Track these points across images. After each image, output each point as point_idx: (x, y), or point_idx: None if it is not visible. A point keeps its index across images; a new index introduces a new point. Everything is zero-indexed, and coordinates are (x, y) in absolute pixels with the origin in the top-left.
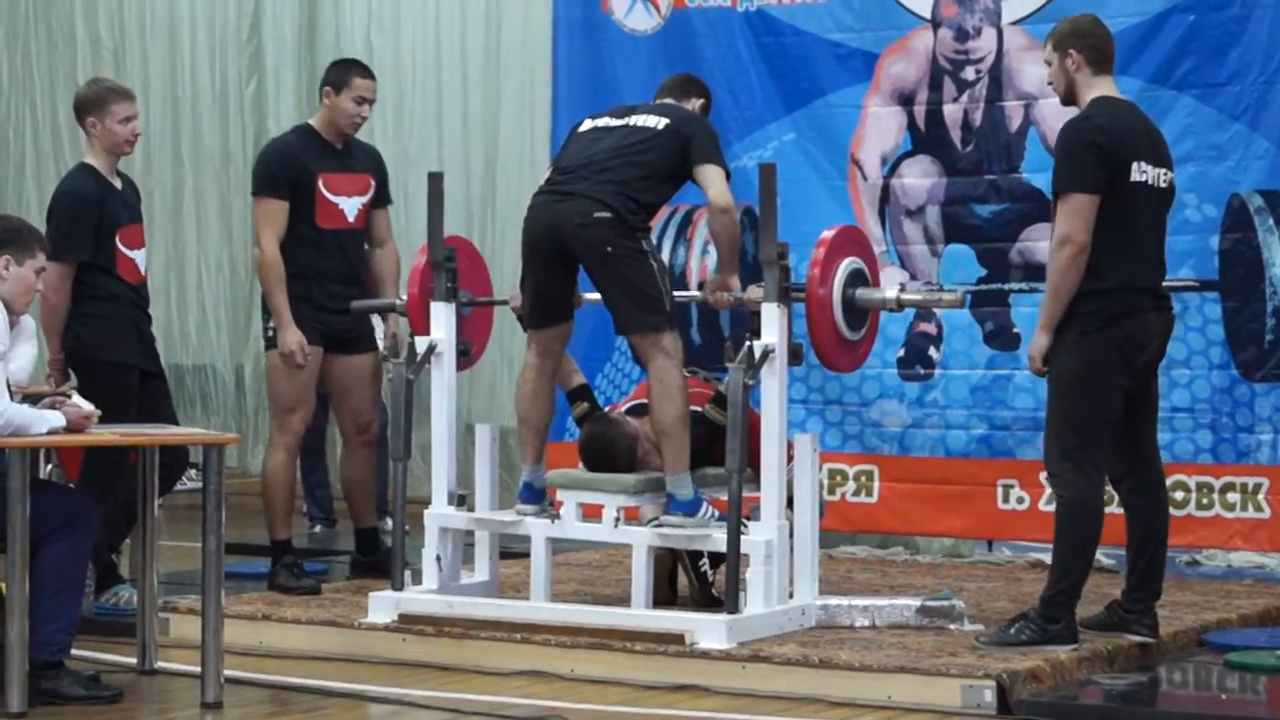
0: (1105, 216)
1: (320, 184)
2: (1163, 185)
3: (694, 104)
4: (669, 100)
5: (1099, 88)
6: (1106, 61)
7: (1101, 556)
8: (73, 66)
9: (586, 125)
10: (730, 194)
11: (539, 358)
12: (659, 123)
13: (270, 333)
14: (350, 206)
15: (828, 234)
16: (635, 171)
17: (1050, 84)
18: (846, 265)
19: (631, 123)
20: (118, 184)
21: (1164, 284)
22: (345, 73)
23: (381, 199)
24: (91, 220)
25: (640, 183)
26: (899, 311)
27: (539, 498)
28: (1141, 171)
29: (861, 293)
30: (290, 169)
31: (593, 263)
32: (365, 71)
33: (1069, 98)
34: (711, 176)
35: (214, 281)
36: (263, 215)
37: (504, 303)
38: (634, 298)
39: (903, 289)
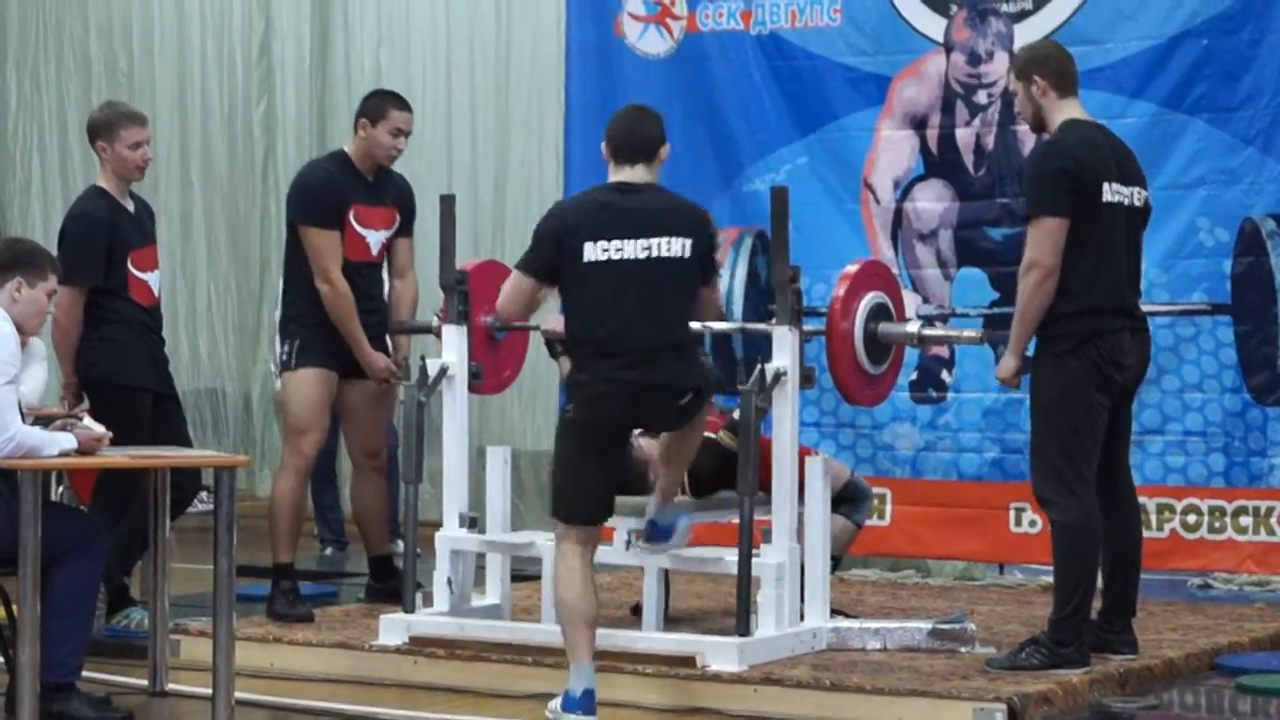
0: (1076, 239)
1: (351, 216)
2: (1137, 204)
3: (664, 152)
4: (651, 177)
5: (1066, 111)
6: (1071, 84)
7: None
8: (83, 88)
9: (597, 255)
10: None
11: (584, 544)
12: (683, 248)
13: (285, 356)
14: (375, 240)
15: (851, 268)
16: (683, 316)
17: (1019, 113)
18: (869, 300)
19: (655, 254)
20: (130, 206)
21: (1173, 308)
22: (382, 104)
23: (406, 229)
24: (103, 244)
25: (688, 324)
26: (920, 347)
27: (593, 706)
28: (1114, 192)
29: (884, 327)
30: (336, 200)
31: (673, 425)
32: (402, 104)
33: (1038, 124)
34: (716, 297)
35: (222, 304)
36: (321, 248)
37: (535, 328)
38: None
39: (925, 324)
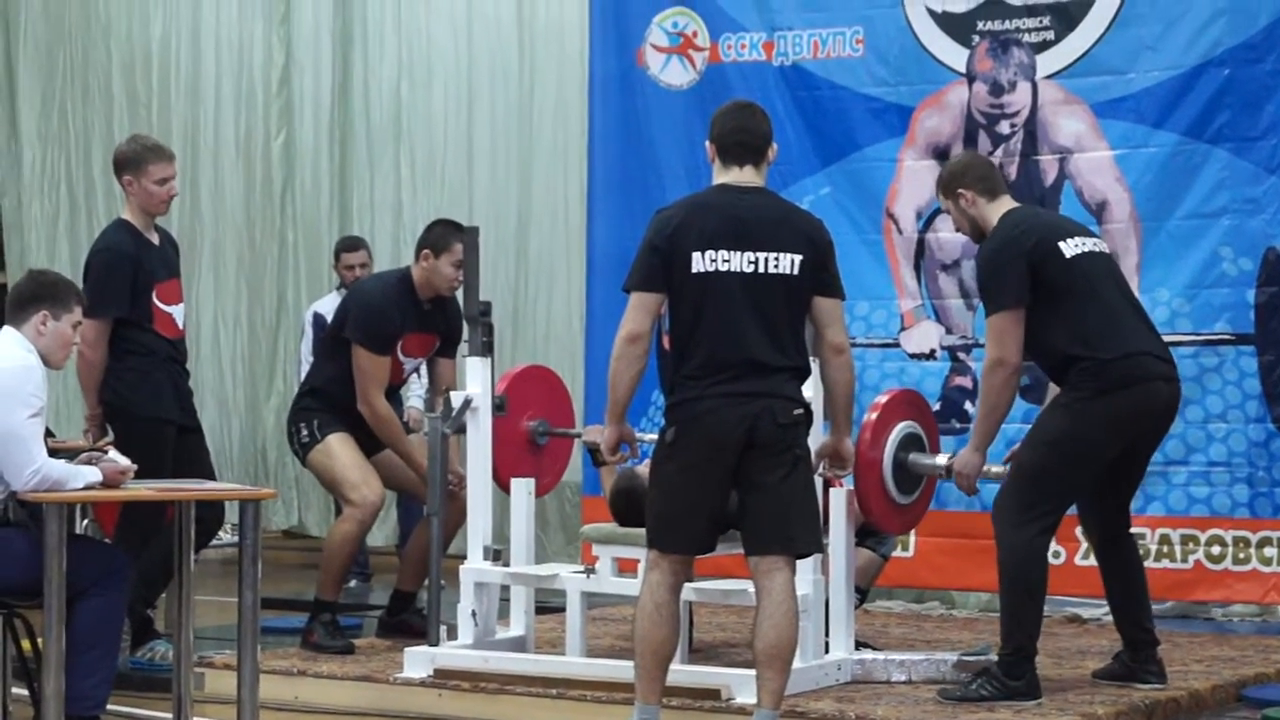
0: (1060, 304)
1: (400, 345)
2: (1103, 249)
3: (773, 153)
4: (761, 179)
5: (999, 210)
6: (996, 185)
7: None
8: (107, 121)
9: (704, 266)
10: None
11: (674, 577)
12: (793, 264)
13: (306, 437)
14: (410, 365)
15: (882, 398)
16: (795, 337)
17: (957, 229)
18: (900, 429)
19: (761, 270)
20: (155, 239)
21: (1196, 338)
22: (445, 237)
23: (449, 351)
24: (127, 277)
25: (801, 347)
26: (948, 479)
27: None
28: (1076, 245)
29: (914, 458)
30: (395, 330)
31: (772, 463)
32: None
33: (977, 234)
34: (839, 313)
35: (232, 336)
36: (370, 371)
37: (578, 435)
38: (802, 512)
39: (953, 456)
